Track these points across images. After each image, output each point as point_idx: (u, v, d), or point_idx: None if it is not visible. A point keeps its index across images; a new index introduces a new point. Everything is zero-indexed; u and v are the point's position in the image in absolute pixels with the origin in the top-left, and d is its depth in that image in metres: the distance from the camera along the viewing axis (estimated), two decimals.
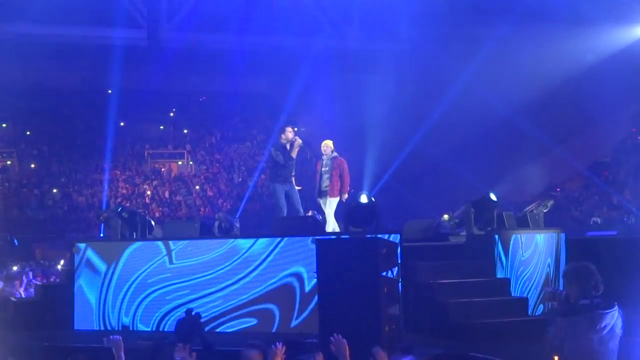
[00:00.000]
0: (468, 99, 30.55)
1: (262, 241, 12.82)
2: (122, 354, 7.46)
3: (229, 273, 12.87)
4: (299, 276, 12.23)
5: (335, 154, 15.63)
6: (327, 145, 15.68)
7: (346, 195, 15.50)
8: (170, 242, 13.41)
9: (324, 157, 15.60)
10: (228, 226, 14.91)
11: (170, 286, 13.22)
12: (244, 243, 12.92)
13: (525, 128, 31.60)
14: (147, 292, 13.35)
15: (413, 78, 32.74)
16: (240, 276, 12.77)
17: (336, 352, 6.76)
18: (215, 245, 13.12)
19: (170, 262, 13.26)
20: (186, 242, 13.39)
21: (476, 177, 28.51)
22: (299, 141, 15.13)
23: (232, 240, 13.21)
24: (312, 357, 7.03)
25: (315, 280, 10.17)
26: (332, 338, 6.80)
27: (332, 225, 14.95)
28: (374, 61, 37.12)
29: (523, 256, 12.75)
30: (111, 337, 7.66)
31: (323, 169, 15.46)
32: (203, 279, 13.03)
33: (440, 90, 31.50)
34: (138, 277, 13.42)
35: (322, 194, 15.40)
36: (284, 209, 14.85)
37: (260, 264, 12.66)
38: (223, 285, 12.86)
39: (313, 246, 10.12)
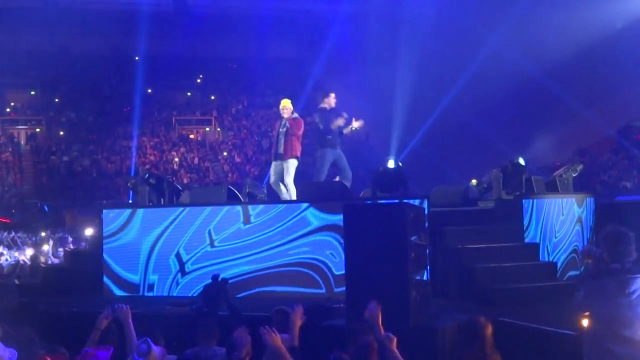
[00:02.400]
0: (497, 62, 30.31)
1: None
2: (131, 321, 7.45)
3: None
4: None
5: (295, 114, 14.85)
6: (285, 105, 14.82)
7: (294, 161, 14.78)
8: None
9: (283, 117, 14.75)
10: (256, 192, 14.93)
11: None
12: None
13: (554, 91, 31.30)
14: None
15: (441, 41, 32.50)
16: None
17: (368, 317, 6.74)
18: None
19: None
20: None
21: (504, 141, 28.35)
22: (358, 123, 14.62)
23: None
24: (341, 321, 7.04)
25: None
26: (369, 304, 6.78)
27: (292, 191, 14.30)
28: (402, 24, 36.85)
29: (552, 221, 12.66)
30: (116, 306, 7.63)
31: (280, 130, 14.66)
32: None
33: (469, 54, 31.27)
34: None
35: (278, 156, 14.58)
36: (324, 176, 14.50)
37: None
38: None
39: None
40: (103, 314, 7.69)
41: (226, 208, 12.90)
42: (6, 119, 45.98)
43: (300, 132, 14.75)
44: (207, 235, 12.75)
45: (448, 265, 11.29)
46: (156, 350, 6.51)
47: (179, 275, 12.84)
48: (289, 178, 14.44)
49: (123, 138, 44.23)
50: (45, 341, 7.76)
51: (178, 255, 12.88)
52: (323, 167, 14.53)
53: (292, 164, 14.49)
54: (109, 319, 7.68)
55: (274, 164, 14.72)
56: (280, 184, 14.55)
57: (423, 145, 31.30)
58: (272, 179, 14.66)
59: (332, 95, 15.05)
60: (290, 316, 7.28)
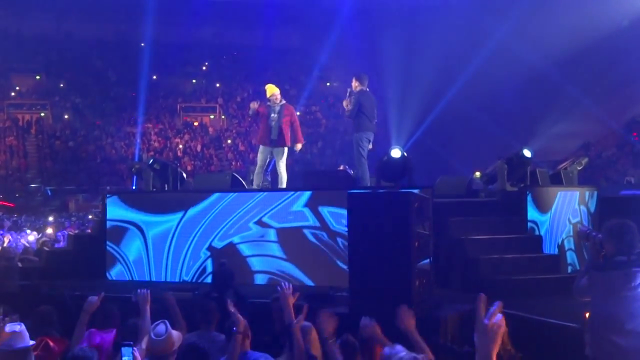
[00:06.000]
0: (503, 55, 30.26)
1: None
2: (147, 307, 7.47)
3: None
4: None
5: (284, 101, 14.62)
6: (274, 91, 14.49)
7: (300, 145, 14.64)
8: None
9: (272, 104, 14.40)
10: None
11: None
12: None
13: (560, 85, 31.26)
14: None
15: (447, 33, 32.46)
16: None
17: (365, 333, 6.68)
18: None
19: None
20: None
21: (510, 133, 28.33)
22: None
23: None
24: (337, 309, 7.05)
25: None
26: (362, 321, 6.75)
27: (285, 178, 14.21)
28: (408, 16, 36.81)
29: (556, 213, 12.64)
30: (139, 291, 7.67)
31: (272, 116, 14.26)
32: None
33: (475, 46, 31.23)
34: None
35: (272, 142, 14.25)
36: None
37: None
38: None
39: None
40: (91, 298, 7.69)
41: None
42: (11, 103, 45.98)
43: (296, 118, 14.70)
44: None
45: (451, 256, 11.29)
46: (173, 332, 6.49)
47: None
48: (284, 165, 14.32)
49: (128, 124, 44.26)
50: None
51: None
52: (364, 150, 13.75)
53: (285, 151, 14.35)
54: (96, 303, 7.68)
55: (263, 149, 14.42)
56: (262, 172, 14.41)
57: (428, 136, 31.29)
58: (260, 164, 14.40)
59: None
60: (281, 296, 7.23)
